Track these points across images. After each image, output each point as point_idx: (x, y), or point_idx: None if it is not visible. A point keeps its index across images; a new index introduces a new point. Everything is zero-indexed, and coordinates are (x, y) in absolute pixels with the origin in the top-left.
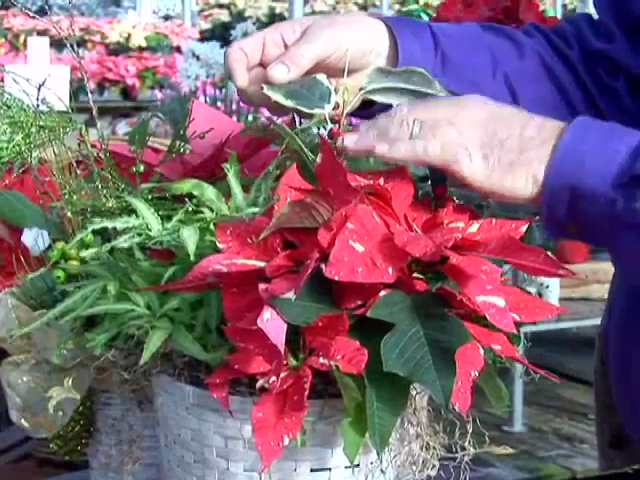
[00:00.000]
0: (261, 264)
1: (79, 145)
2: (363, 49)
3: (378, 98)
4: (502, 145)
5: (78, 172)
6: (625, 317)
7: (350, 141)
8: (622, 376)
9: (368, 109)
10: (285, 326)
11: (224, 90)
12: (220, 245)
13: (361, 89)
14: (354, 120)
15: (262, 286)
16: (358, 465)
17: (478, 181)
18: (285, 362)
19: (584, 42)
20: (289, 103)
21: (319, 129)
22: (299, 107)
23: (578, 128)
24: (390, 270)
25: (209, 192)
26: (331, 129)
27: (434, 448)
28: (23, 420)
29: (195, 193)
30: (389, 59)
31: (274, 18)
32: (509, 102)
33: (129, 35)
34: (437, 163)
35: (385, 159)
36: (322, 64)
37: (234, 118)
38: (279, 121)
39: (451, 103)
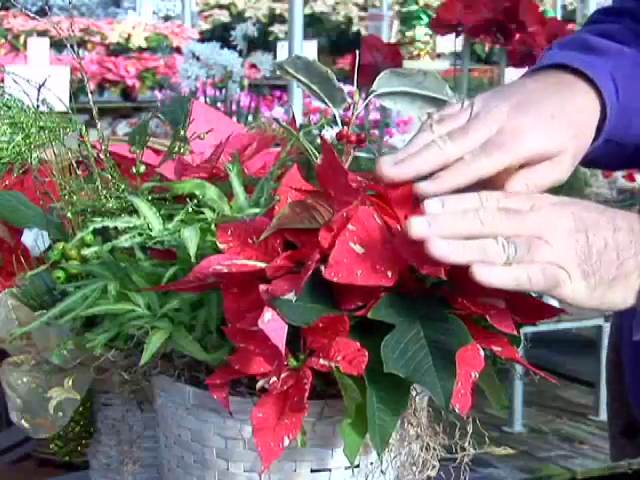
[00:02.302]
0: (262, 265)
1: (79, 146)
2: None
3: (388, 103)
4: (600, 259)
5: (78, 173)
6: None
7: (442, 250)
8: (636, 371)
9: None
10: (285, 327)
11: (224, 91)
12: (221, 245)
13: (370, 92)
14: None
15: (263, 287)
16: (358, 466)
17: (580, 303)
18: (285, 363)
19: None
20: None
21: (321, 130)
22: (325, 99)
23: None
24: (389, 273)
25: (211, 192)
26: (340, 131)
27: (434, 449)
28: (23, 421)
29: (197, 193)
30: None
31: (274, 18)
32: None
33: (129, 36)
34: (538, 289)
35: (483, 284)
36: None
37: (234, 119)
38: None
39: (528, 207)
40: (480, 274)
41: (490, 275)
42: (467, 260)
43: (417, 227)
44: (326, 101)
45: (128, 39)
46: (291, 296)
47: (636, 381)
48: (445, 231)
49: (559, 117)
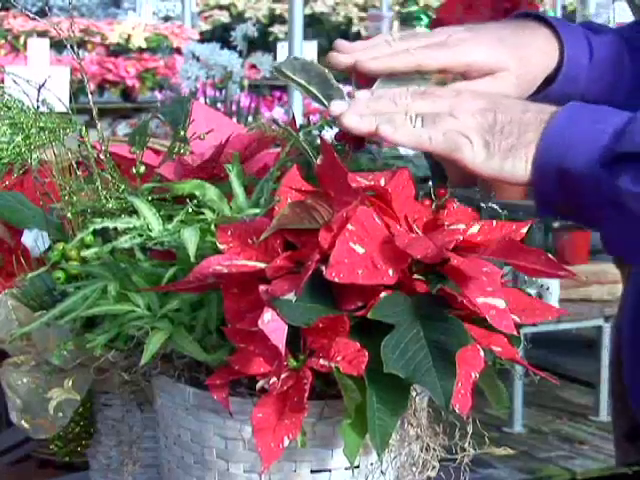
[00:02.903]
0: (262, 265)
1: (79, 146)
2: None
3: None
4: (502, 130)
5: (78, 173)
6: (637, 314)
7: (352, 121)
8: (635, 372)
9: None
10: (285, 327)
11: (224, 91)
12: (221, 246)
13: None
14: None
15: (262, 287)
16: (358, 466)
17: (479, 167)
18: (285, 363)
19: None
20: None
21: (321, 131)
22: (322, 99)
23: (569, 111)
24: (390, 272)
25: (211, 192)
26: (339, 131)
27: (434, 449)
28: (23, 421)
29: (197, 193)
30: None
31: (274, 19)
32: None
33: (129, 36)
34: (439, 151)
35: (387, 139)
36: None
37: (234, 119)
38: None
39: (451, 94)
40: (385, 131)
41: (395, 133)
42: (374, 127)
43: (336, 107)
44: (324, 102)
45: (128, 40)
46: (291, 296)
47: (636, 381)
48: (361, 110)
49: (505, 41)
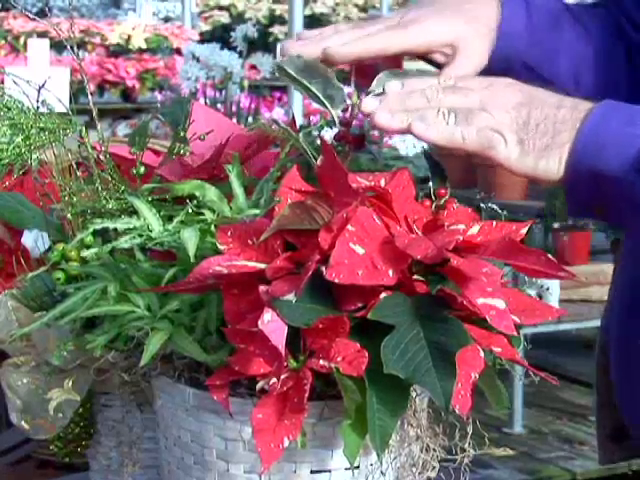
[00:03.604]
0: (261, 266)
1: (79, 147)
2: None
3: None
4: (537, 128)
5: (78, 174)
6: (624, 314)
7: (384, 119)
8: (622, 373)
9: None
10: (285, 328)
11: (224, 92)
12: (220, 246)
13: (369, 93)
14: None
15: (262, 288)
16: (358, 467)
17: (513, 165)
18: (285, 364)
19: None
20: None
21: (321, 131)
22: (323, 99)
23: (602, 110)
24: (390, 272)
25: (211, 193)
26: (339, 131)
27: (434, 450)
28: (23, 422)
29: (197, 194)
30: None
31: (274, 20)
32: (572, 88)
33: (129, 37)
34: (472, 149)
35: (419, 137)
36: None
37: (234, 120)
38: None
39: (483, 86)
40: (417, 128)
41: (427, 130)
42: (406, 125)
43: (368, 104)
44: (324, 102)
45: (128, 40)
46: (291, 297)
47: (621, 378)
48: (392, 107)
49: (451, 8)
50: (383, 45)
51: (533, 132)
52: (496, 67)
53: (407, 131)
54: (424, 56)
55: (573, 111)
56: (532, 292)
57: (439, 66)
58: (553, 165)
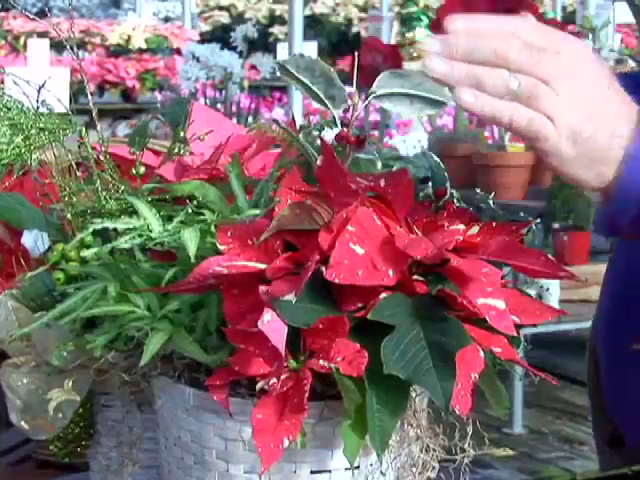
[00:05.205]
0: (262, 266)
1: (79, 147)
2: None
3: (387, 105)
4: (594, 137)
5: (78, 174)
6: (611, 317)
7: (440, 67)
8: (612, 377)
9: None
10: (285, 328)
11: (224, 92)
12: (221, 247)
13: (370, 94)
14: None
15: (262, 288)
16: (358, 467)
17: (557, 163)
18: (285, 364)
19: None
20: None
21: (321, 132)
22: (324, 99)
23: None
24: (390, 272)
25: (211, 193)
26: (340, 132)
27: (434, 450)
28: (23, 422)
29: (197, 194)
30: None
31: (274, 20)
32: None
33: (129, 37)
34: (524, 134)
35: (463, 107)
36: None
37: (234, 120)
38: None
39: (553, 55)
40: (464, 96)
41: (476, 104)
42: (458, 83)
43: (427, 43)
44: (325, 102)
45: (128, 40)
46: (291, 297)
47: (611, 381)
48: (454, 54)
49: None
50: None
51: (587, 140)
52: None
53: (454, 89)
54: None
55: (629, 123)
56: (532, 292)
57: None
58: (599, 179)
